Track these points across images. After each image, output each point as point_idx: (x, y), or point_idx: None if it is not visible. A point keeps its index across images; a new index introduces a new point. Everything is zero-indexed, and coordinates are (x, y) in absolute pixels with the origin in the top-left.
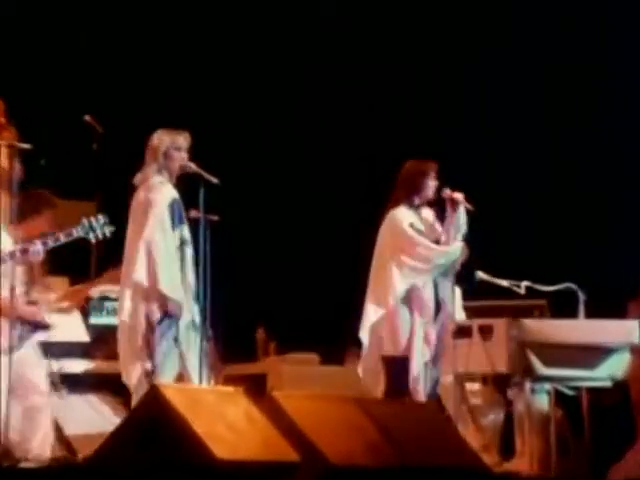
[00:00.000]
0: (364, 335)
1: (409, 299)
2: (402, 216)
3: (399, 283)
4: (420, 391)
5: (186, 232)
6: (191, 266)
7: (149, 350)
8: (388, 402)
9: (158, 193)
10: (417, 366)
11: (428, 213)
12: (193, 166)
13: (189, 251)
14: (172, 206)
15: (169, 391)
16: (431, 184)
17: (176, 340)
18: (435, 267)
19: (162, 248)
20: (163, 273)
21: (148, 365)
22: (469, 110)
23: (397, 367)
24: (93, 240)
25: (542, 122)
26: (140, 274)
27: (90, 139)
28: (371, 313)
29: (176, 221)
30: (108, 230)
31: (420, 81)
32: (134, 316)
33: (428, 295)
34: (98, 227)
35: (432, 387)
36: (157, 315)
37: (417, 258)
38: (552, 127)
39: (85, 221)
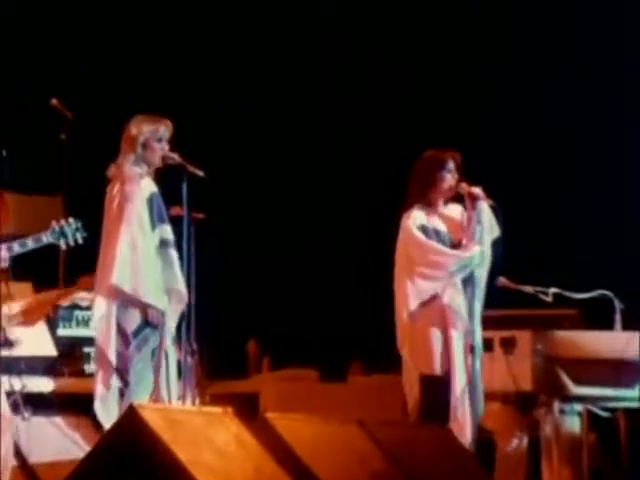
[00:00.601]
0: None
1: (434, 311)
2: (411, 220)
3: (413, 297)
4: (464, 413)
5: (168, 232)
6: (179, 270)
7: (122, 366)
8: (396, 425)
9: (135, 186)
10: (459, 385)
11: (454, 209)
12: (176, 157)
13: (173, 253)
14: (151, 201)
15: (148, 412)
16: (448, 177)
17: (153, 354)
18: (451, 274)
19: (143, 248)
20: (145, 278)
21: (119, 383)
22: (494, 103)
23: (432, 387)
24: (64, 246)
25: (577, 117)
26: (121, 277)
27: (57, 126)
28: (397, 328)
29: (155, 219)
30: (80, 236)
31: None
32: (107, 326)
33: (453, 301)
34: (70, 232)
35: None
36: (134, 326)
37: (429, 265)
38: (585, 123)
39: (55, 225)
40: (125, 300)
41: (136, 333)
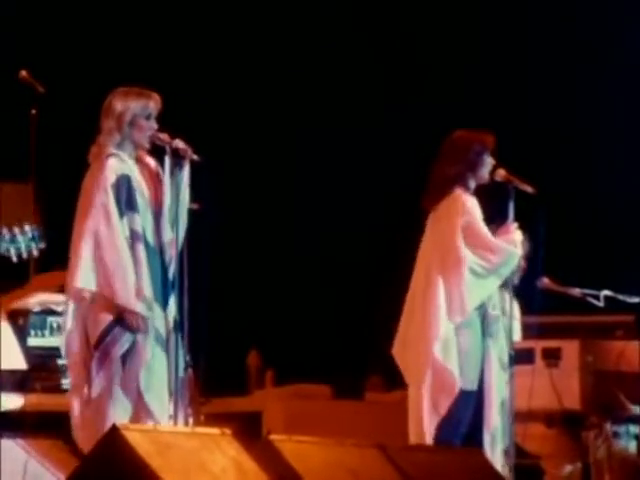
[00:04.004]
0: (436, 353)
1: (481, 312)
2: (473, 206)
3: (467, 298)
4: (500, 437)
5: (138, 222)
6: (146, 269)
7: (88, 379)
8: (422, 449)
9: (97, 170)
10: (496, 405)
11: None
12: (166, 138)
13: (141, 248)
14: (117, 186)
15: (133, 435)
16: (489, 162)
17: (125, 360)
18: (500, 274)
19: (108, 243)
20: (114, 276)
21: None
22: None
23: (467, 404)
24: (15, 258)
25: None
26: (85, 279)
27: (27, 101)
28: (430, 335)
29: (123, 206)
30: (36, 247)
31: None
32: (73, 333)
33: (495, 307)
34: (23, 241)
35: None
36: (96, 334)
37: (489, 265)
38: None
39: (6, 233)
40: (96, 304)
41: (98, 343)
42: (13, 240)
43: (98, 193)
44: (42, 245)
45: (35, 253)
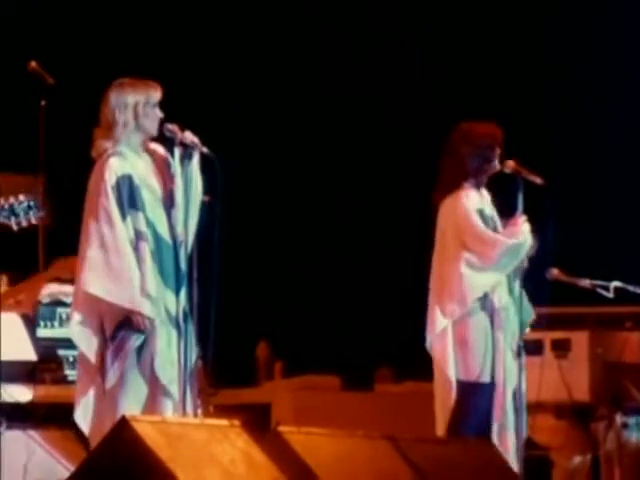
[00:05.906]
0: (429, 348)
1: (486, 304)
2: (471, 202)
3: (467, 291)
4: (510, 427)
5: (141, 221)
6: (151, 268)
7: (103, 370)
8: (432, 441)
9: (98, 172)
10: (508, 394)
11: (487, 195)
12: (175, 129)
13: (145, 246)
14: (118, 187)
15: (143, 426)
16: (498, 153)
17: (140, 351)
18: (500, 267)
19: (113, 247)
20: (119, 279)
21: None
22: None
23: (474, 395)
24: (15, 227)
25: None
26: (92, 283)
27: (37, 93)
28: (438, 319)
29: (125, 206)
30: (34, 216)
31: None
32: (83, 328)
33: (502, 300)
34: (21, 211)
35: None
36: (111, 329)
37: (482, 258)
38: None
39: (5, 203)
40: (104, 305)
41: (112, 337)
42: (12, 209)
43: (99, 196)
44: (41, 213)
45: (34, 221)
